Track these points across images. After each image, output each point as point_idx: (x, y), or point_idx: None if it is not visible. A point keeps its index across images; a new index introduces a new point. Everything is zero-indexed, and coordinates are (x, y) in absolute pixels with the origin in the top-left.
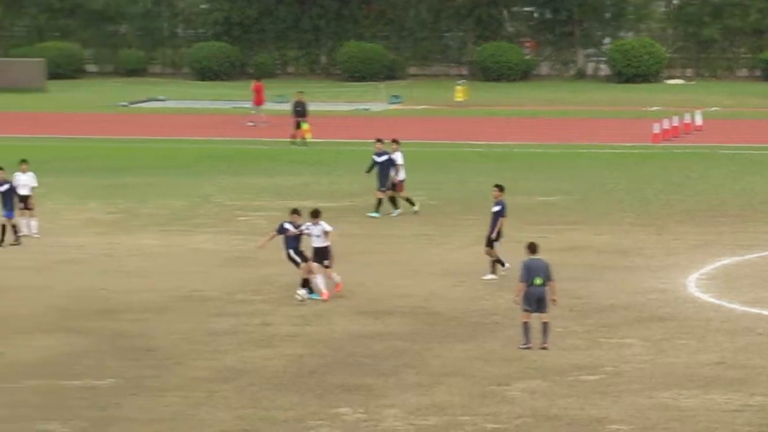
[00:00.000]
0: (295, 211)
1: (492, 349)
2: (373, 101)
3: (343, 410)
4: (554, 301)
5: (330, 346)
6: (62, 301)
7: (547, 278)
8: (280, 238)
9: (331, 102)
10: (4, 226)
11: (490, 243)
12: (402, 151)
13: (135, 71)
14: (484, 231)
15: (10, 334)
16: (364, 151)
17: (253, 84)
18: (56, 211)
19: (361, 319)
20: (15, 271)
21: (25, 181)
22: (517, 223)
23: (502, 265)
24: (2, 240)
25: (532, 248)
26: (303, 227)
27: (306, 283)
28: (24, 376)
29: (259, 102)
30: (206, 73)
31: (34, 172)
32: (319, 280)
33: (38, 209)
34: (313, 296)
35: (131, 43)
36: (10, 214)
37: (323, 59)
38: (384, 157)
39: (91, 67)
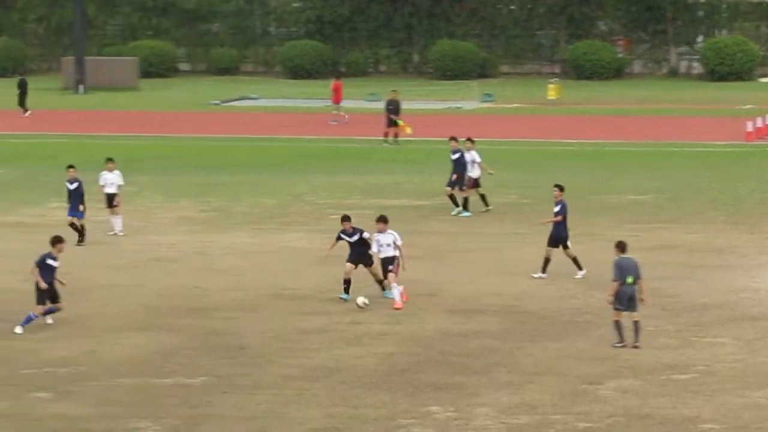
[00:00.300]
0: (346, 218)
1: (584, 348)
2: (466, 99)
3: (434, 408)
4: (642, 300)
5: (421, 345)
6: (154, 300)
7: (637, 276)
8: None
9: (423, 100)
10: (81, 226)
11: (554, 243)
12: (477, 150)
13: (227, 70)
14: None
15: (101, 332)
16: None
17: (332, 83)
18: (148, 209)
19: (453, 317)
20: (107, 269)
21: (111, 180)
22: (608, 221)
23: (543, 271)
24: (83, 236)
25: (622, 247)
26: (366, 235)
27: (347, 282)
28: (116, 374)
29: (337, 100)
30: (298, 71)
31: (121, 171)
32: (395, 291)
33: (131, 207)
34: (387, 294)
35: (224, 42)
36: (76, 214)
37: (415, 57)
38: (457, 155)
39: (183, 66)
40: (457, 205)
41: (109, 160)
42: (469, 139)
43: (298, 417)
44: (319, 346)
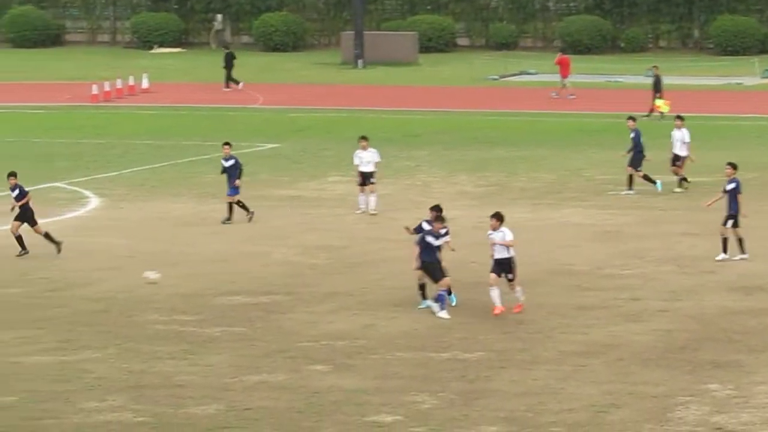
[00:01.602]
0: (437, 209)
1: None
2: (746, 75)
3: (712, 386)
4: None
5: (700, 322)
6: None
7: None
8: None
9: (702, 76)
10: (239, 201)
11: (728, 222)
12: (687, 128)
13: (506, 45)
14: None
15: (380, 306)
16: (737, 126)
17: (558, 57)
18: (427, 183)
19: (732, 294)
20: (385, 242)
21: (367, 158)
22: None
23: (724, 251)
24: (248, 211)
25: None
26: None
27: (422, 288)
28: (393, 347)
29: (564, 75)
30: (577, 46)
31: (400, 145)
32: (494, 293)
33: (409, 182)
34: (425, 304)
35: (503, 17)
36: (232, 191)
37: (695, 33)
38: (633, 134)
39: (462, 41)
40: (653, 182)
41: (363, 138)
42: (678, 117)
43: (575, 393)
44: (596, 322)
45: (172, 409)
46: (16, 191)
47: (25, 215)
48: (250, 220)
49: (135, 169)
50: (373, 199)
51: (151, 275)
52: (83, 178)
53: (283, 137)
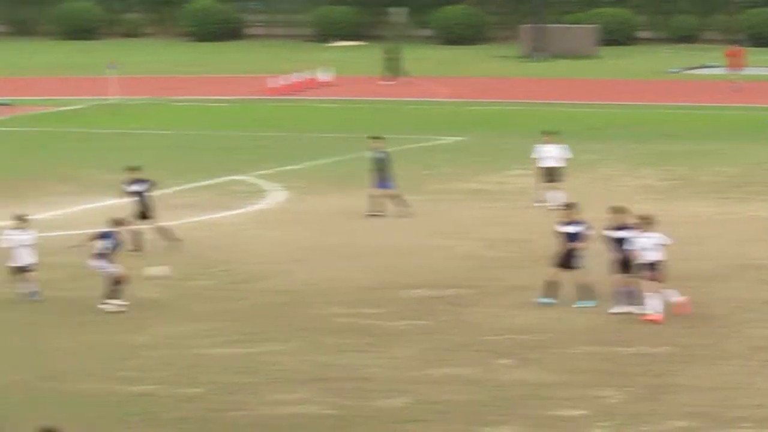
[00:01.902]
0: (569, 205)
1: None
2: None
3: None
4: None
5: None
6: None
7: None
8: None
9: None
10: (395, 197)
11: None
12: None
13: (688, 37)
14: None
15: (564, 300)
16: None
17: (730, 49)
18: (609, 177)
19: None
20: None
21: (549, 153)
22: None
23: None
24: (383, 210)
25: None
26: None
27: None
28: (579, 342)
29: (736, 67)
30: (760, 38)
31: (582, 138)
32: (653, 300)
33: (590, 176)
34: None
35: (685, 9)
36: (386, 185)
37: None
38: None
39: (643, 34)
40: None
41: (545, 133)
42: None
43: (764, 388)
44: None
45: (358, 401)
46: (144, 185)
47: (147, 209)
48: (371, 215)
49: (316, 162)
50: (559, 195)
51: (155, 270)
52: (265, 171)
53: (464, 130)
